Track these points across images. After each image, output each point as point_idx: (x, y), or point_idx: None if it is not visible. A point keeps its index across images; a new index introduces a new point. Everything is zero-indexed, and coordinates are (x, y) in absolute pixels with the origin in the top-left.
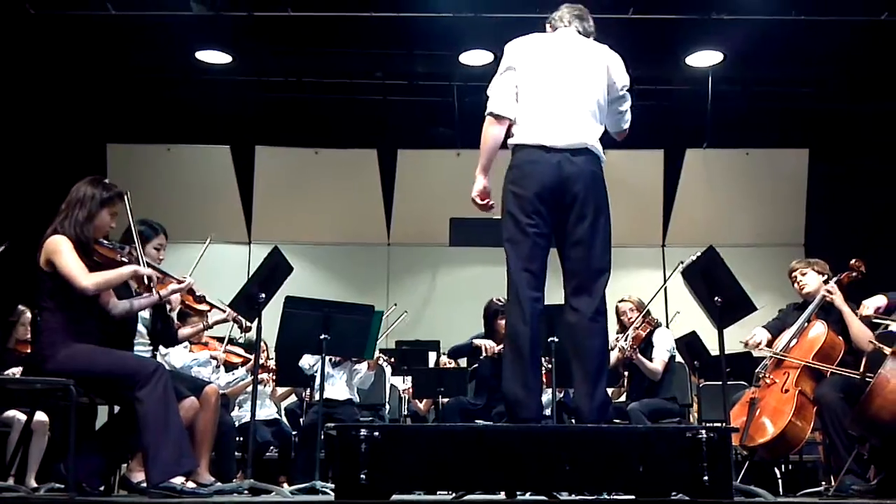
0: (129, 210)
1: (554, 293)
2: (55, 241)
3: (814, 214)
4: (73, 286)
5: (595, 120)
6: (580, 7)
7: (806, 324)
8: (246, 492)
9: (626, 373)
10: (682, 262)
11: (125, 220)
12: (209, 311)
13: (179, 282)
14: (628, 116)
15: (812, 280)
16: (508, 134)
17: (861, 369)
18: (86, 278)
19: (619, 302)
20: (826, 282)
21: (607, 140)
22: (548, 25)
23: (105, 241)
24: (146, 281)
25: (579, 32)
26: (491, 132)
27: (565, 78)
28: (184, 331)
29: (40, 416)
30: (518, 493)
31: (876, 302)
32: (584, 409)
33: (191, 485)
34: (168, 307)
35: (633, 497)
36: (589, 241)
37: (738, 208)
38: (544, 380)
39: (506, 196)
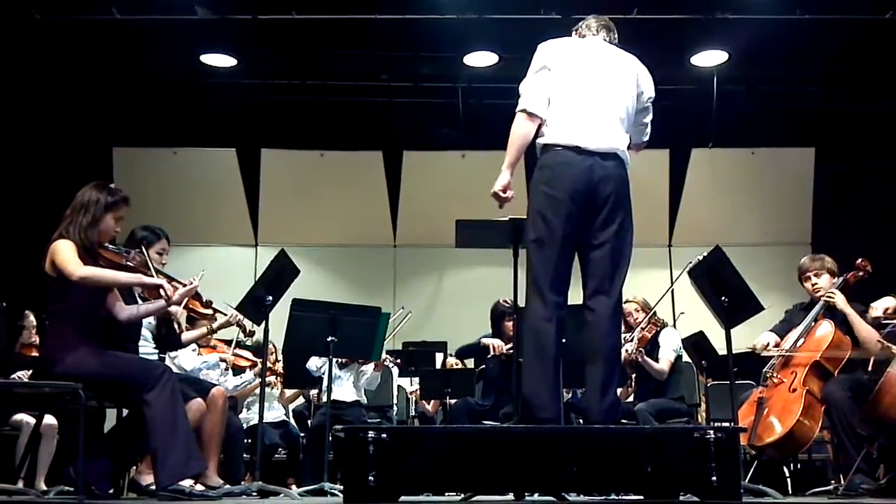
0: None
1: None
2: (57, 244)
3: (820, 214)
4: (65, 275)
5: (623, 127)
6: (606, 18)
7: (813, 323)
8: (254, 494)
9: (633, 374)
10: (690, 263)
11: (130, 225)
12: (214, 314)
13: (185, 285)
14: (649, 129)
15: (826, 283)
16: (538, 133)
17: (869, 368)
18: (77, 268)
19: (625, 303)
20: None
21: None
22: (575, 33)
23: (110, 246)
24: (160, 291)
25: (606, 41)
26: (522, 129)
27: (598, 83)
28: (188, 334)
29: (49, 419)
30: (526, 494)
31: (885, 303)
32: (594, 410)
33: (199, 487)
34: (174, 313)
35: (641, 497)
36: (614, 244)
37: (744, 208)
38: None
39: (535, 196)
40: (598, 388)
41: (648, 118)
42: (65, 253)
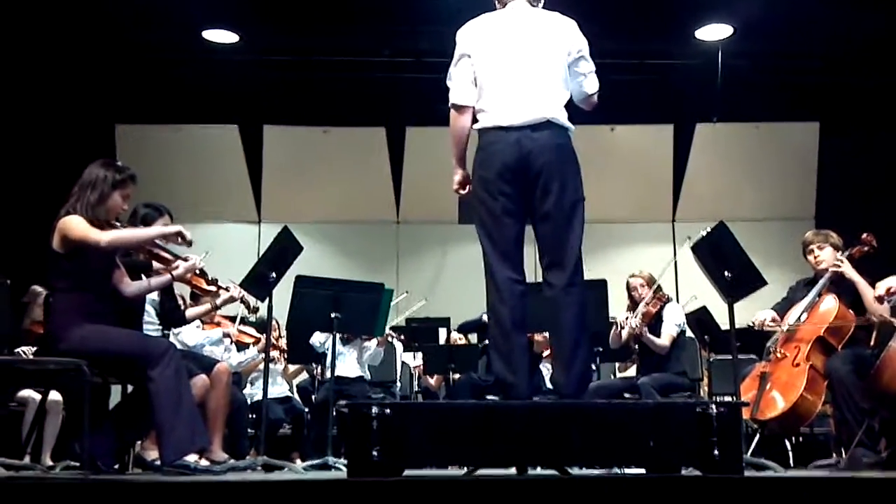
0: None
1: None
2: (67, 219)
3: (824, 188)
4: (88, 243)
5: (556, 90)
6: None
7: (817, 298)
8: (259, 468)
9: (636, 346)
10: (689, 238)
11: (133, 202)
12: (217, 291)
13: (186, 260)
14: (592, 82)
15: (828, 255)
16: (474, 120)
17: (872, 343)
18: (100, 235)
19: (630, 277)
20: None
21: (615, 116)
22: (496, 2)
23: (117, 224)
24: (163, 257)
25: (529, 4)
26: (457, 124)
27: (519, 53)
28: (191, 311)
29: (54, 395)
30: (529, 467)
31: (888, 283)
32: (562, 383)
33: (204, 462)
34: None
35: (643, 471)
36: (556, 214)
37: (748, 183)
38: (545, 355)
39: (473, 180)
40: (563, 361)
41: (585, 68)
42: (80, 226)
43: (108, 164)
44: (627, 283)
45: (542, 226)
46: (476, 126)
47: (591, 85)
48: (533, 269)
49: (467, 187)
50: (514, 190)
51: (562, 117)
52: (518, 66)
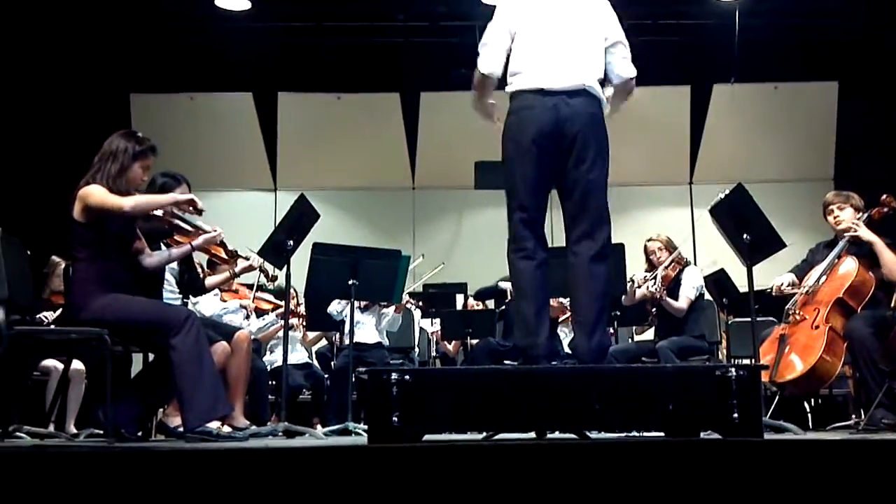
0: None
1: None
2: (88, 188)
3: (843, 148)
4: (113, 211)
5: (592, 61)
6: None
7: (836, 260)
8: (280, 434)
9: (653, 310)
10: (712, 204)
11: (149, 172)
12: (236, 260)
13: (208, 231)
14: (629, 67)
15: (848, 216)
16: (506, 83)
17: (892, 304)
18: (122, 199)
19: (648, 241)
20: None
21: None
22: None
23: (136, 193)
24: (182, 227)
25: None
26: (478, 86)
27: (558, 20)
28: (211, 279)
29: (76, 364)
30: (548, 432)
31: None
32: (582, 352)
33: (226, 429)
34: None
35: (662, 435)
36: (588, 183)
37: (767, 144)
38: (560, 320)
39: (503, 144)
40: (586, 329)
41: (623, 53)
42: (101, 194)
43: (129, 134)
44: (645, 247)
45: (573, 194)
46: (509, 88)
47: (627, 69)
48: (551, 234)
49: (496, 115)
50: (549, 156)
51: (597, 87)
52: (557, 33)
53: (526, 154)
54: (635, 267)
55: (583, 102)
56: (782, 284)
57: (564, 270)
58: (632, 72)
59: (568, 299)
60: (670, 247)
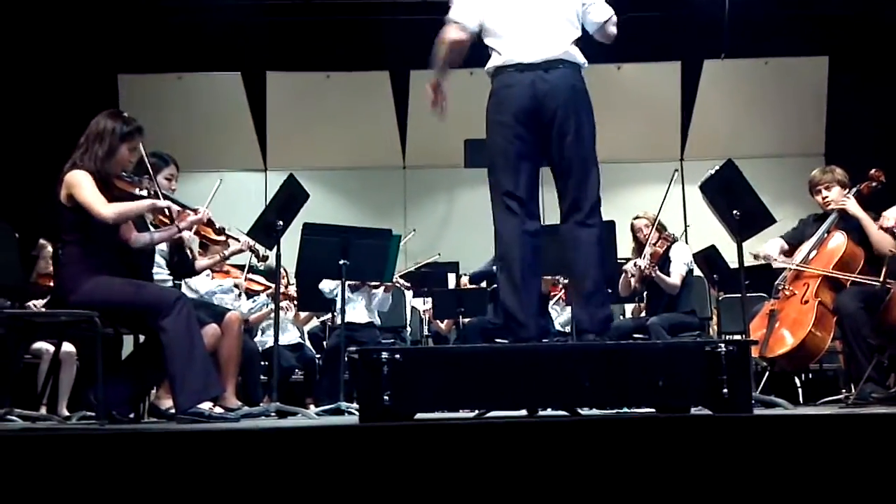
0: (142, 146)
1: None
2: (75, 176)
3: (834, 123)
4: (94, 216)
5: (565, 25)
6: None
7: (826, 234)
8: (273, 414)
9: (644, 290)
10: (676, 171)
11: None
12: (227, 241)
13: (196, 213)
14: (601, 9)
15: (836, 195)
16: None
17: (881, 278)
18: (106, 208)
19: (634, 219)
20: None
21: (622, 54)
22: None
23: (123, 175)
24: (166, 213)
25: None
26: (444, 34)
27: None
28: (201, 262)
29: (68, 346)
30: (539, 409)
31: (894, 212)
32: (584, 323)
33: (218, 410)
34: (186, 240)
35: (653, 411)
36: (574, 157)
37: (757, 119)
38: (563, 298)
39: (487, 124)
40: (585, 301)
41: (593, 2)
42: (87, 191)
43: (116, 115)
44: (632, 226)
45: (561, 169)
46: (488, 66)
47: (601, 12)
48: (544, 212)
49: (432, 92)
50: (530, 133)
51: (574, 53)
52: (526, 5)
53: (508, 132)
54: (626, 243)
55: (561, 74)
56: (769, 255)
57: (556, 248)
58: (605, 13)
59: (559, 276)
60: (657, 224)
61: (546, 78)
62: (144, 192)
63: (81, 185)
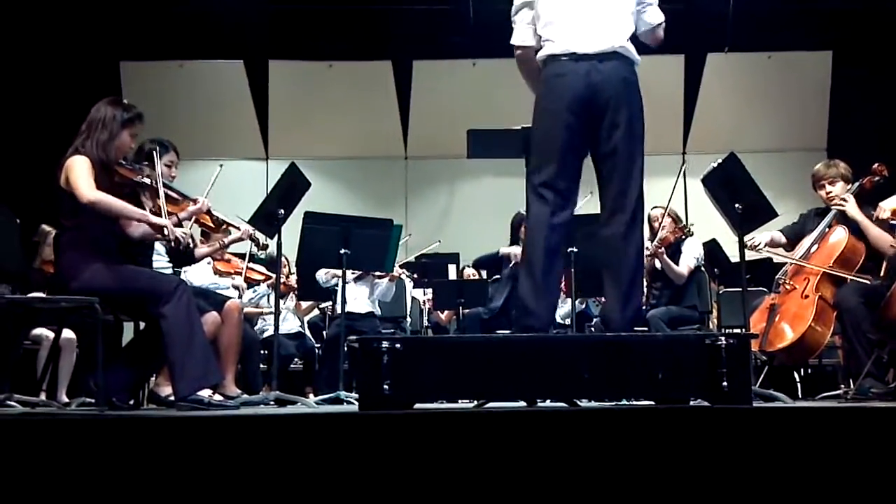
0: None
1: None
2: (73, 160)
3: (836, 118)
4: (77, 197)
5: (622, 20)
6: None
7: (827, 229)
8: (272, 403)
9: (650, 281)
10: (684, 164)
11: (139, 139)
12: (227, 228)
13: (195, 202)
14: (655, 13)
15: (840, 190)
16: (538, 50)
17: (882, 274)
18: (88, 190)
19: (653, 209)
20: (850, 189)
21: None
22: None
23: (124, 162)
24: (162, 231)
25: None
26: (520, 64)
27: None
28: (200, 250)
29: (67, 333)
30: (538, 400)
31: (893, 203)
32: (616, 319)
33: (218, 397)
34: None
35: (652, 403)
36: (622, 150)
37: (760, 113)
38: (563, 290)
39: (536, 111)
40: (618, 299)
41: (649, 3)
42: (79, 172)
43: (116, 102)
44: (649, 216)
45: (607, 162)
46: (541, 55)
47: (655, 15)
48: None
49: None
50: (580, 123)
51: (629, 48)
52: None
53: (558, 121)
54: None
55: (615, 66)
56: (759, 244)
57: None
58: (658, 17)
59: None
60: (674, 216)
61: (600, 69)
62: (147, 181)
63: (74, 167)
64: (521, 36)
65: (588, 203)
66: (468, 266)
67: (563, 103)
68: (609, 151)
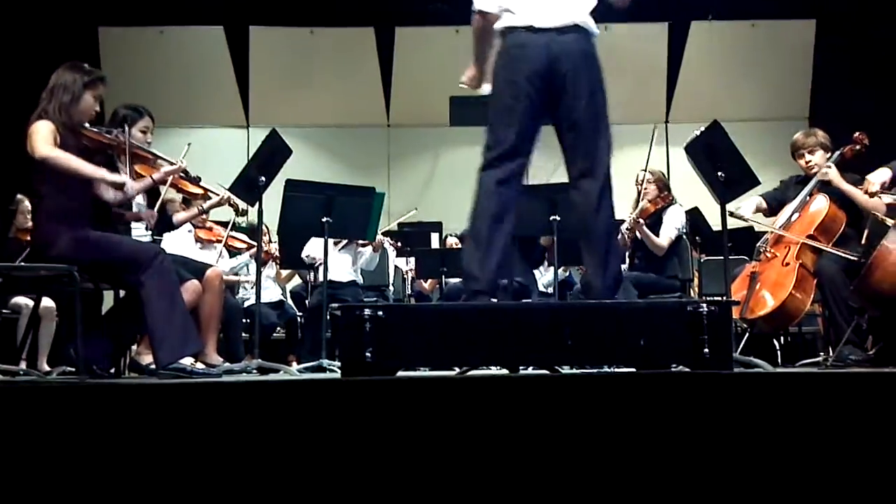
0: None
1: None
2: (36, 125)
3: (819, 87)
4: (33, 153)
5: None
6: None
7: (808, 197)
8: (254, 371)
9: (630, 250)
10: (655, 129)
11: (109, 106)
12: (206, 193)
13: (171, 164)
14: None
15: (820, 159)
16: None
17: (863, 241)
18: (43, 146)
19: (641, 171)
20: (830, 157)
21: (610, 14)
22: None
23: (91, 126)
24: (122, 189)
25: None
26: (475, 27)
27: None
28: (179, 215)
29: (47, 301)
30: (520, 367)
31: (881, 176)
32: (596, 287)
33: (200, 365)
34: (160, 194)
35: (633, 370)
36: (585, 122)
37: (744, 82)
38: (546, 258)
39: (494, 81)
40: (595, 266)
41: None
42: (38, 132)
43: (76, 66)
44: (637, 178)
45: (571, 134)
46: (499, 25)
47: None
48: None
49: (470, 81)
50: (540, 95)
51: (589, 22)
52: None
53: (519, 91)
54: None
55: (574, 39)
56: (745, 215)
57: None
58: None
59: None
60: (661, 182)
61: (559, 40)
62: (113, 143)
63: (38, 130)
64: (485, 1)
65: (562, 171)
66: (451, 235)
67: (523, 74)
68: (572, 123)
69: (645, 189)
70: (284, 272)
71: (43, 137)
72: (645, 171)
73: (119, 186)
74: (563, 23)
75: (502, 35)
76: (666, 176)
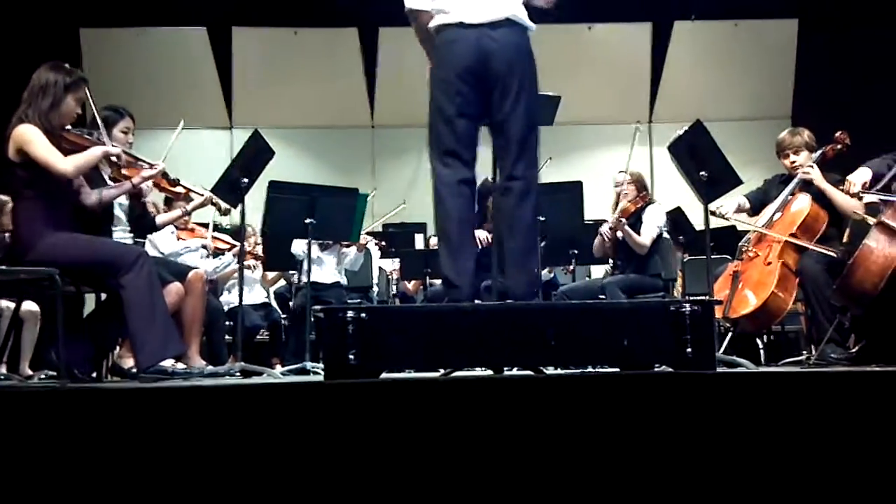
0: (90, 97)
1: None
2: (25, 131)
3: (802, 87)
4: (53, 172)
5: None
6: None
7: (790, 197)
8: (238, 374)
9: (612, 252)
10: (637, 129)
11: (90, 109)
12: (186, 194)
13: (151, 166)
14: None
15: (804, 160)
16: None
17: (844, 240)
18: (64, 163)
19: (619, 173)
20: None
21: (593, 14)
22: None
23: (72, 129)
24: (116, 160)
25: None
26: (415, 28)
27: None
28: (162, 217)
29: (30, 305)
30: (505, 368)
31: (861, 177)
32: (514, 286)
33: (181, 366)
34: (143, 195)
35: (617, 370)
36: (515, 117)
37: (726, 82)
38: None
39: (430, 79)
40: (516, 264)
41: None
42: (42, 147)
43: (57, 66)
44: (614, 180)
45: (501, 129)
46: (432, 24)
47: None
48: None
49: None
50: (473, 91)
51: (521, 15)
52: None
53: (450, 89)
54: (592, 205)
55: (506, 33)
56: (727, 213)
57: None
58: None
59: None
60: (638, 182)
61: (491, 35)
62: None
63: (34, 141)
64: (415, 0)
65: (546, 171)
66: (433, 237)
67: (454, 71)
68: (502, 119)
69: (625, 190)
70: (270, 274)
71: (54, 155)
72: (624, 172)
73: (118, 157)
74: (495, 17)
75: (436, 32)
76: (643, 176)
